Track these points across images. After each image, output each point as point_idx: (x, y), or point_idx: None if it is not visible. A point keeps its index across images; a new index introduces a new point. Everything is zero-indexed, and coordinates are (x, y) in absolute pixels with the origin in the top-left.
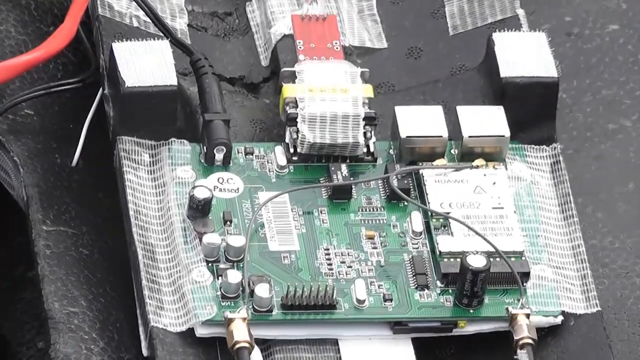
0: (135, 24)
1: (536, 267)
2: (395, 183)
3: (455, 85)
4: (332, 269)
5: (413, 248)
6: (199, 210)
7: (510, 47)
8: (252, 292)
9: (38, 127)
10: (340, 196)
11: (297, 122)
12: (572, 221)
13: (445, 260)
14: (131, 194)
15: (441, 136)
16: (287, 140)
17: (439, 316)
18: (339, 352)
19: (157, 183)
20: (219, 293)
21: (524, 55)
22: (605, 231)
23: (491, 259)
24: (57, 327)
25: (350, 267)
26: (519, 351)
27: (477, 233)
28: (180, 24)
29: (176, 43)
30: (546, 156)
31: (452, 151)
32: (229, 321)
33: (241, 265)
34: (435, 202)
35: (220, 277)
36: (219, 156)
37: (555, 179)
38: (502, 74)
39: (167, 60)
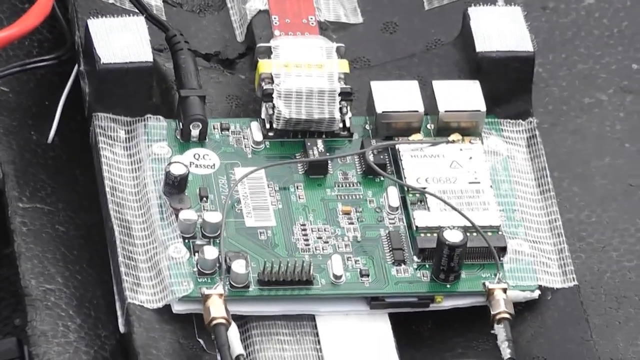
0: (111, 0)
1: (513, 242)
2: (371, 158)
3: (431, 60)
4: (308, 245)
5: (389, 223)
6: (175, 186)
7: (485, 21)
8: (228, 269)
9: (13, 104)
10: (316, 172)
11: (272, 97)
12: (548, 195)
13: (422, 235)
14: (107, 170)
15: (417, 111)
16: (262, 116)
17: (415, 291)
18: (316, 327)
19: (133, 159)
20: (195, 269)
21: (500, 29)
22: (582, 205)
23: (468, 234)
24: (34, 304)
25: (327, 242)
26: (496, 326)
27: (453, 208)
28: (155, 0)
29: (151, 19)
30: (522, 130)
31: (428, 126)
32: (206, 297)
33: (217, 242)
34: (412, 177)
35: (196, 254)
36: (194, 132)
37: (532, 153)
38: (478, 48)
39: (143, 36)
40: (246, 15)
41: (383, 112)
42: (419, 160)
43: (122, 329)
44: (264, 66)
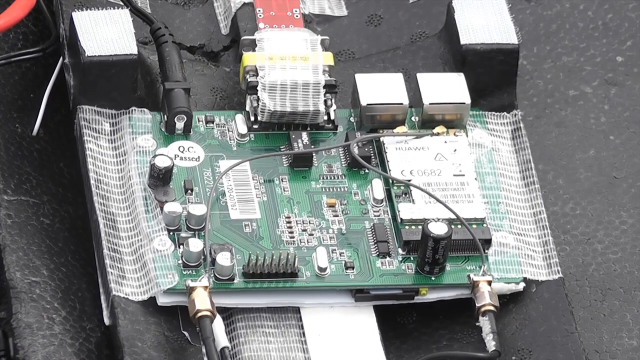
0: None
1: (497, 234)
2: (356, 151)
3: (415, 52)
4: (293, 237)
5: (374, 216)
6: (160, 179)
7: (470, 13)
8: (213, 261)
9: None
10: (301, 164)
11: (257, 90)
12: (533, 188)
13: (407, 227)
14: (92, 163)
15: (402, 103)
16: (247, 108)
17: (400, 284)
18: (301, 320)
19: (118, 152)
20: (180, 262)
21: (484, 22)
22: (567, 198)
23: (452, 226)
24: (19, 296)
25: (312, 235)
26: (480, 318)
27: (438, 200)
28: None
29: (136, 12)
30: (507, 123)
31: (413, 118)
32: (191, 290)
33: (202, 234)
34: (396, 170)
35: (181, 246)
36: (179, 125)
37: (516, 146)
38: (462, 41)
39: (127, 29)
40: (231, 7)
41: (368, 104)
42: (403, 153)
43: (107, 321)
44: (249, 59)
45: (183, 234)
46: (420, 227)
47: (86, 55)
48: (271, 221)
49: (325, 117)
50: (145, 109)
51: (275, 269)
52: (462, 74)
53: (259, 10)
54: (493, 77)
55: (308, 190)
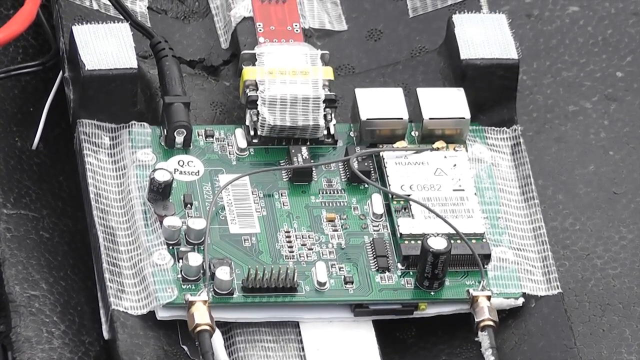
0: (95, 6)
1: (497, 249)
2: (355, 165)
3: (415, 67)
4: (292, 252)
5: (374, 230)
6: (160, 193)
7: (470, 28)
8: (212, 275)
9: None
10: (300, 179)
11: (257, 104)
12: (532, 203)
13: (406, 242)
14: (92, 177)
15: (401, 118)
16: (247, 122)
17: (399, 298)
18: (300, 334)
19: (118, 166)
20: (179, 276)
21: (484, 37)
22: (566, 213)
23: (452, 241)
24: (18, 310)
25: (311, 249)
26: (479, 333)
27: (437, 215)
28: (140, 6)
29: (136, 26)
30: (507, 138)
31: (413, 133)
32: (190, 304)
33: (202, 248)
34: (396, 185)
35: (181, 260)
36: (179, 139)
37: (516, 161)
38: (463, 55)
39: (127, 43)
40: (231, 22)
41: (367, 119)
42: (403, 168)
43: (106, 335)
44: (249, 73)
45: (182, 248)
46: (419, 242)
47: (86, 69)
48: (270, 236)
49: (325, 132)
50: (145, 123)
51: (275, 283)
52: (461, 89)
53: (259, 25)
54: (493, 92)
55: (307, 204)
